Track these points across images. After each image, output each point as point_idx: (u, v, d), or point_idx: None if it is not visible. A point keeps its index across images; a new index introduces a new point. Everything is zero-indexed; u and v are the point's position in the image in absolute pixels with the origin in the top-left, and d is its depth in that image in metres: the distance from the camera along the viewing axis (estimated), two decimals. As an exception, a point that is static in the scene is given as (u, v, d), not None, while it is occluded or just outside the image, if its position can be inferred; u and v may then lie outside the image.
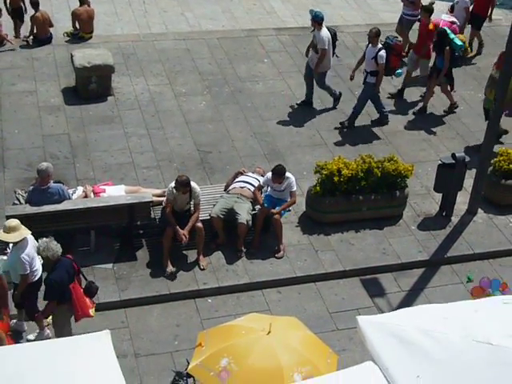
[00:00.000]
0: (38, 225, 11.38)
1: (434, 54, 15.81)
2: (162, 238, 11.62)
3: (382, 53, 14.71)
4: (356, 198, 12.73)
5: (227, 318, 10.71)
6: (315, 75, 15.47)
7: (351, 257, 12.27)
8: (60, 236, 11.38)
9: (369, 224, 12.88)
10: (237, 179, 12.51)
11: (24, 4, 17.65)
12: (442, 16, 17.23)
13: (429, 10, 15.89)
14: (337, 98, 15.89)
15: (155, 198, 11.95)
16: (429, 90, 15.91)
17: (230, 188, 12.39)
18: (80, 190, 12.06)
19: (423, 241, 12.70)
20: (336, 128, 15.25)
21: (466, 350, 7.13)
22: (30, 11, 17.22)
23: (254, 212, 12.12)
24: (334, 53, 15.65)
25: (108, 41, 17.54)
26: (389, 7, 19.60)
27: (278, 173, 11.94)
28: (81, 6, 17.41)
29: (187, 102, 15.74)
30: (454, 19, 17.02)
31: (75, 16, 17.39)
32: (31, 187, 11.57)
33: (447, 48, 15.15)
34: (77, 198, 11.83)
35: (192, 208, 11.76)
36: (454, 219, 13.19)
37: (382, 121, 15.51)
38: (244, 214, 11.90)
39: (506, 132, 15.21)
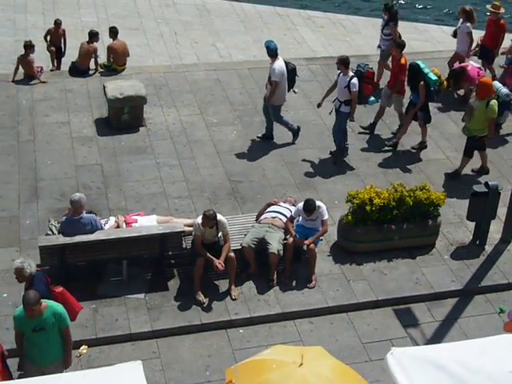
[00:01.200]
0: (70, 255, 11.48)
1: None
2: (193, 269, 11.63)
3: (355, 81, 14.41)
4: (388, 227, 12.66)
5: (259, 348, 10.64)
6: (269, 108, 15.22)
7: (383, 286, 12.18)
8: (93, 266, 11.50)
9: (401, 253, 12.79)
10: (268, 209, 12.51)
11: (65, 44, 17.92)
12: (470, 61, 17.26)
13: (400, 44, 15.44)
14: (295, 133, 15.56)
15: (187, 228, 11.98)
16: (403, 125, 15.57)
17: (262, 218, 12.39)
18: (112, 220, 12.12)
19: (456, 270, 12.58)
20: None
21: (504, 381, 7.05)
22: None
23: (285, 242, 12.10)
24: (291, 88, 15.38)
25: (140, 72, 17.71)
26: (418, 35, 19.60)
27: (309, 209, 11.94)
28: (113, 39, 17.60)
29: (218, 132, 15.81)
30: (481, 66, 17.17)
31: (111, 50, 17.60)
32: (64, 218, 11.66)
33: (421, 83, 14.84)
34: (109, 228, 11.89)
35: (221, 239, 11.78)
36: (488, 248, 13.06)
37: (342, 153, 15.08)
38: (275, 243, 11.88)
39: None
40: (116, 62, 17.66)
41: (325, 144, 15.52)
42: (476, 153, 14.68)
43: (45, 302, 9.08)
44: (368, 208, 12.48)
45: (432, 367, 7.53)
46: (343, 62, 14.50)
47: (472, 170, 14.85)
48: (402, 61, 15.42)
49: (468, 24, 17.38)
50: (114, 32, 17.65)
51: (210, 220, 11.44)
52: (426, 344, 11.11)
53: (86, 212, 11.65)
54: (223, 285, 11.96)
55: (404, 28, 20.14)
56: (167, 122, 16.07)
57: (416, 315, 11.82)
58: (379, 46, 17.52)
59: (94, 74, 17.51)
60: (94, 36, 17.52)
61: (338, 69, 14.67)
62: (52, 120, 15.93)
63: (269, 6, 23.52)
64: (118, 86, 15.85)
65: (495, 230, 13.16)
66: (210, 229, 11.57)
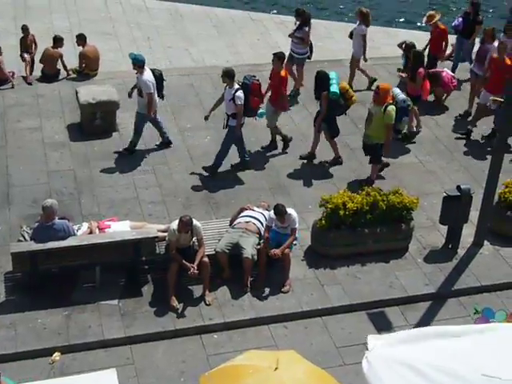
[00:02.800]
0: (43, 262, 11.40)
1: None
2: (167, 274, 11.59)
3: (239, 93, 13.98)
4: (361, 232, 12.70)
5: (233, 353, 10.60)
6: (146, 118, 14.85)
7: (357, 290, 12.21)
8: (65, 272, 11.43)
9: (375, 257, 12.83)
10: (242, 214, 12.51)
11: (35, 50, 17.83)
12: (444, 69, 17.40)
13: (280, 57, 14.92)
14: (132, 150, 15.04)
15: (160, 234, 11.96)
16: (315, 136, 15.16)
17: (235, 223, 12.39)
18: (85, 226, 12.06)
19: (429, 274, 12.65)
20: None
21: (477, 383, 7.09)
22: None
23: (259, 247, 12.09)
24: (161, 94, 15.20)
25: (113, 77, 17.62)
26: (391, 40, 19.70)
27: (279, 213, 11.93)
28: (83, 45, 17.52)
29: (192, 137, 15.79)
30: (454, 75, 17.38)
31: (84, 56, 17.53)
32: (36, 224, 11.59)
33: (324, 93, 14.50)
34: (82, 234, 11.83)
35: (196, 244, 11.77)
36: (461, 251, 13.14)
37: (244, 166, 14.84)
38: (249, 248, 11.88)
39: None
40: (88, 68, 17.59)
41: (298, 148, 15.53)
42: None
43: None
44: (341, 212, 12.51)
45: (405, 370, 7.54)
46: (227, 74, 14.11)
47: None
48: (283, 73, 14.93)
49: (363, 26, 17.37)
50: (82, 38, 17.62)
51: (186, 225, 11.42)
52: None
53: (59, 218, 11.59)
54: (197, 290, 11.93)
55: (375, 33, 20.29)
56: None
57: (390, 319, 11.86)
58: (291, 52, 17.27)
59: (64, 79, 17.41)
60: (58, 41, 17.42)
61: (224, 81, 14.31)
62: (24, 126, 15.81)
63: (242, 11, 23.53)
64: (90, 91, 15.78)
65: (468, 233, 13.24)
66: (185, 234, 11.55)
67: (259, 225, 12.30)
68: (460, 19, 18.44)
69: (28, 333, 11.01)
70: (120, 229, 11.99)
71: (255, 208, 12.73)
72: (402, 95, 14.76)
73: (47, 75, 17.48)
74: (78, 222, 12.44)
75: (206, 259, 11.66)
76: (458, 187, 12.84)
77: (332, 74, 14.74)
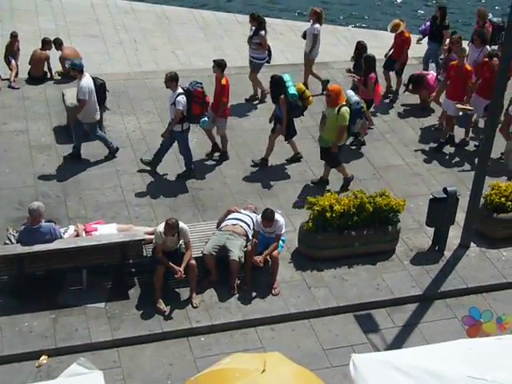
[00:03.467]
0: (29, 265, 11.36)
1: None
2: (153, 277, 11.57)
3: (180, 98, 13.86)
4: (348, 234, 12.72)
5: (220, 356, 10.59)
6: (84, 127, 14.64)
7: (345, 293, 12.23)
8: (52, 275, 11.38)
9: (362, 259, 12.85)
10: (229, 216, 12.51)
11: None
12: (430, 71, 17.49)
13: (220, 64, 14.68)
14: (113, 153, 15.04)
15: (147, 236, 11.93)
16: (270, 140, 15.00)
17: (222, 225, 12.38)
18: (71, 228, 12.03)
19: (416, 275, 12.68)
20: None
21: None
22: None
23: (246, 249, 12.09)
24: (103, 106, 15.08)
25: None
26: (377, 43, 19.74)
27: (267, 218, 11.93)
28: (59, 49, 17.56)
29: (178, 140, 15.75)
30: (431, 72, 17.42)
31: (63, 60, 17.48)
32: (23, 227, 11.55)
33: (282, 96, 14.42)
34: (68, 237, 11.79)
35: (183, 246, 11.76)
36: (447, 253, 13.18)
37: (188, 175, 14.64)
38: (236, 250, 11.88)
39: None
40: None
41: (285, 150, 15.54)
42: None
43: None
44: (328, 215, 12.53)
45: (393, 372, 7.57)
46: (171, 79, 13.97)
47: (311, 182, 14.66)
48: (223, 81, 14.70)
49: (316, 25, 17.31)
50: (58, 43, 17.61)
51: (172, 228, 11.41)
52: (387, 349, 11.18)
53: (45, 221, 11.56)
54: (184, 293, 11.91)
55: (363, 35, 20.35)
56: (127, 130, 16.00)
57: (377, 321, 11.88)
58: (250, 57, 17.16)
59: (50, 81, 17.38)
60: (47, 44, 17.44)
61: (167, 86, 14.14)
62: (10, 128, 15.77)
63: (228, 13, 23.54)
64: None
65: (454, 235, 13.29)
66: (172, 237, 11.54)
67: (246, 227, 12.30)
68: (427, 23, 18.55)
69: (14, 336, 10.97)
70: (107, 232, 11.96)
71: (242, 210, 12.73)
72: (355, 97, 14.55)
73: (34, 77, 17.45)
74: (64, 225, 12.42)
75: (192, 262, 11.65)
76: (445, 189, 12.87)
77: (286, 77, 14.68)
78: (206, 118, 14.63)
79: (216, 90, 14.90)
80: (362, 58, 16.04)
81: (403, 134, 16.59)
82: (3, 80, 17.39)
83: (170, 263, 11.47)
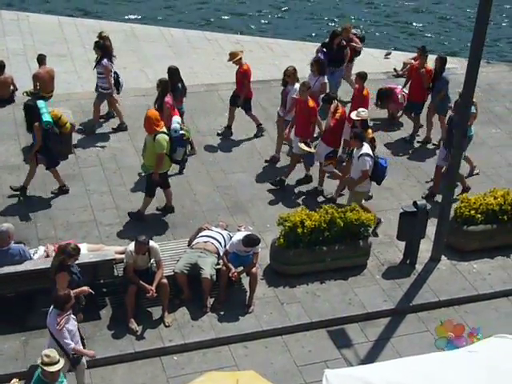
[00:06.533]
0: (-2, 286, 11.26)
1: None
2: (125, 296, 11.50)
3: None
4: (320, 249, 12.73)
5: (194, 375, 10.55)
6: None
7: (317, 308, 12.23)
8: (22, 297, 11.25)
9: (333, 274, 12.87)
10: (200, 234, 12.48)
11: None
12: (398, 85, 17.55)
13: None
14: None
15: (118, 256, 11.87)
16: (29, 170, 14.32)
17: (194, 243, 12.35)
18: (41, 249, 11.93)
19: (388, 290, 12.71)
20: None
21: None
22: None
23: (218, 266, 12.06)
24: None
25: (68, 99, 17.50)
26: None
27: (252, 244, 11.92)
28: (40, 67, 17.41)
29: (148, 158, 15.69)
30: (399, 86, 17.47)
31: (37, 78, 17.38)
32: (-9, 248, 11.43)
33: (36, 124, 13.77)
34: (38, 258, 11.70)
35: (154, 265, 11.70)
36: (418, 267, 13.24)
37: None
38: (208, 268, 11.84)
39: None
40: (43, 89, 17.43)
41: (255, 167, 15.56)
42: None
43: None
44: (299, 230, 12.54)
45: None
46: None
47: (157, 209, 14.16)
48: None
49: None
50: (41, 59, 17.48)
51: (143, 247, 11.37)
52: (360, 364, 11.17)
53: (15, 242, 11.47)
54: (156, 312, 11.85)
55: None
56: (96, 149, 15.92)
57: (350, 336, 11.90)
58: (97, 85, 16.70)
59: (17, 101, 17.22)
60: (3, 68, 17.19)
61: None
62: (-22, 149, 15.65)
63: (197, 31, 23.55)
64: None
65: (425, 248, 13.35)
66: (143, 255, 11.49)
67: (218, 245, 12.28)
68: (320, 53, 17.26)
69: (-16, 359, 10.85)
70: (77, 252, 11.86)
71: (213, 228, 12.71)
72: (175, 125, 13.99)
73: (1, 100, 17.27)
74: (34, 246, 12.31)
75: (164, 280, 11.59)
76: (415, 203, 12.94)
77: (40, 104, 14.17)
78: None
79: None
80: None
81: (373, 149, 16.64)
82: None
83: (142, 282, 11.42)
